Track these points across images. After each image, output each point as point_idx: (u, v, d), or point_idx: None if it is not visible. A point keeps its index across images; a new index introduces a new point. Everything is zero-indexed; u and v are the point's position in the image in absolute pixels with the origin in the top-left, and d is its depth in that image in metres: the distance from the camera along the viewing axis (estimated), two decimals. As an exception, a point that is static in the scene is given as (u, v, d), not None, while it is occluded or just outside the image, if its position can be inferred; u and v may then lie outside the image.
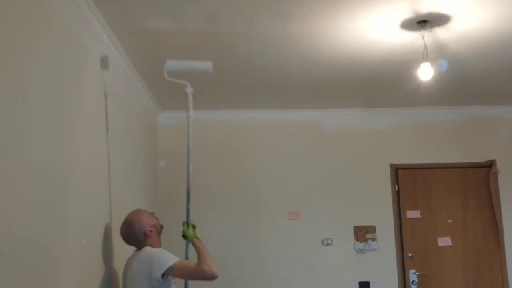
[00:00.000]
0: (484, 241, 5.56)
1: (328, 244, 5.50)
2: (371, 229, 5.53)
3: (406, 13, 3.20)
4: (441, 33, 3.49)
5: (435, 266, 5.50)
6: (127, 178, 4.03)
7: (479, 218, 5.60)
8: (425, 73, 3.62)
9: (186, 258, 3.16)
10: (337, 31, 3.46)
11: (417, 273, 5.46)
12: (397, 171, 5.64)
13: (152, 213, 3.31)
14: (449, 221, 5.58)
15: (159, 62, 3.98)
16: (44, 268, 2.37)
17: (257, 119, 5.64)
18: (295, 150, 5.63)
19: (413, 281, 5.45)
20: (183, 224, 3.22)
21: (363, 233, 5.51)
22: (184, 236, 3.19)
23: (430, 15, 3.22)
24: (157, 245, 3.13)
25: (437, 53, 3.79)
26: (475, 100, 5.47)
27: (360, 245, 5.49)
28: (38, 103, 2.31)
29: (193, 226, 3.21)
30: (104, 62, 3.26)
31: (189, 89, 3.33)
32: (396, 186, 5.61)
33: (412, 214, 5.58)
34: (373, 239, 5.51)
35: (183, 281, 3.26)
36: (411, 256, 5.50)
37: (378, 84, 4.69)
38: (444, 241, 5.54)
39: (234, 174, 5.54)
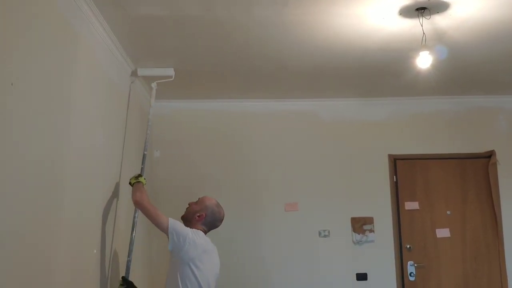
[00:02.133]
0: (483, 232, 5.53)
1: (325, 236, 5.46)
2: (368, 220, 5.49)
3: (405, 0, 3.14)
4: (440, 21, 3.43)
5: (434, 258, 5.47)
6: (121, 168, 3.98)
7: (478, 209, 5.56)
8: (424, 61, 3.56)
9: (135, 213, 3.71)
10: (334, 18, 3.39)
11: (415, 265, 5.43)
12: (395, 161, 5.59)
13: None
14: (448, 212, 5.55)
15: (153, 50, 3.96)
16: (36, 264, 2.32)
17: (254, 109, 5.59)
18: (293, 140, 5.58)
19: (411, 272, 5.42)
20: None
21: (360, 225, 5.47)
22: (130, 183, 3.49)
23: (429, 2, 3.16)
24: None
25: (436, 40, 3.74)
26: (474, 90, 5.43)
27: (358, 236, 5.45)
28: (27, 92, 2.25)
29: (139, 175, 3.55)
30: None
31: (154, 85, 4.30)
32: (394, 177, 5.57)
33: (411, 205, 5.54)
34: (371, 231, 5.47)
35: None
36: (409, 247, 5.47)
37: (376, 72, 4.64)
38: (443, 233, 5.50)
39: (230, 165, 5.49)
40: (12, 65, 2.11)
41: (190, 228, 3.28)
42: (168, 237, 3.18)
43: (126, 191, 4.04)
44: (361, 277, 5.41)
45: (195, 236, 3.20)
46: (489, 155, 5.59)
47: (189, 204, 3.47)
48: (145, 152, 3.96)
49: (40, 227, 2.38)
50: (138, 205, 3.32)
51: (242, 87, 5.11)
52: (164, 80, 4.33)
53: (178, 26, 3.47)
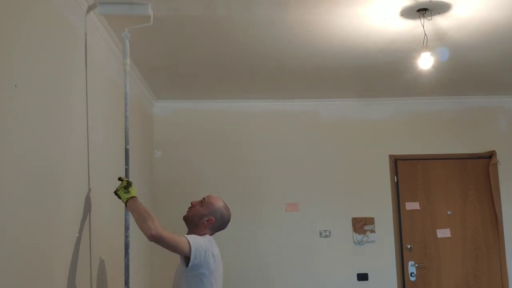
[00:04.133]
0: (483, 232, 5.53)
1: (326, 236, 5.46)
2: (369, 220, 5.49)
3: (406, 1, 3.14)
4: (441, 21, 3.43)
5: (434, 258, 5.47)
6: (121, 169, 3.97)
7: (479, 209, 5.57)
8: (425, 62, 3.56)
9: (125, 221, 3.04)
10: (335, 18, 3.39)
11: (416, 265, 5.43)
12: (396, 162, 5.59)
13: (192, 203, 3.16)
14: (448, 212, 5.55)
15: (154, 49, 3.95)
16: (35, 264, 2.31)
17: (254, 109, 5.59)
18: (293, 141, 5.58)
19: (411, 272, 5.42)
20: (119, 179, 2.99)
21: (361, 225, 5.47)
22: (115, 192, 2.90)
23: (430, 2, 3.16)
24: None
25: (437, 41, 3.74)
26: (475, 90, 5.42)
27: (359, 236, 5.45)
28: (29, 92, 2.24)
29: (128, 184, 2.91)
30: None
31: (126, 35, 3.14)
32: (395, 177, 5.57)
33: (411, 205, 5.54)
34: (372, 231, 5.47)
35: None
36: (410, 247, 5.47)
37: (377, 73, 4.64)
38: (443, 233, 5.50)
39: (231, 165, 5.49)
40: (15, 66, 2.11)
41: (197, 233, 3.00)
42: (182, 257, 2.90)
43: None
44: (362, 277, 5.41)
45: (210, 246, 2.94)
46: (490, 155, 5.59)
47: (192, 204, 3.11)
48: (127, 147, 3.11)
49: (39, 227, 2.37)
50: (156, 240, 2.69)
51: (243, 87, 5.10)
52: (139, 26, 3.17)
53: (178, 26, 3.47)
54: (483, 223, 5.55)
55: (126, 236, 3.04)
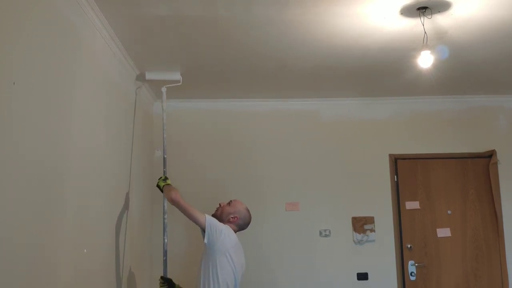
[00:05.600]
0: (483, 232, 5.53)
1: (326, 235, 5.46)
2: (369, 220, 5.49)
3: (406, -1, 3.14)
4: (441, 20, 3.43)
5: (434, 257, 5.47)
6: (122, 168, 3.97)
7: (479, 209, 5.56)
8: (425, 60, 3.56)
9: (163, 206, 4.13)
10: (335, 18, 3.39)
11: (416, 264, 5.43)
12: (396, 161, 5.59)
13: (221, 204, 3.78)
14: (449, 212, 5.54)
15: (154, 49, 3.95)
16: (38, 264, 2.32)
17: (255, 109, 5.58)
18: (293, 140, 5.58)
19: (411, 272, 5.41)
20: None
21: (361, 224, 5.47)
22: (157, 185, 3.76)
23: (430, 1, 3.16)
24: None
25: (437, 40, 3.73)
26: (475, 89, 5.42)
27: (359, 236, 5.45)
28: (29, 91, 2.25)
29: (166, 178, 3.81)
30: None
31: (164, 89, 4.49)
32: (395, 176, 5.57)
33: (411, 205, 5.54)
34: (372, 230, 5.47)
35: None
36: (410, 247, 5.47)
37: (377, 72, 4.63)
38: (443, 232, 5.50)
39: (231, 165, 5.49)
40: (14, 64, 2.11)
41: None
42: (203, 232, 3.41)
43: (127, 189, 4.05)
44: (362, 276, 5.41)
45: (228, 230, 3.49)
46: (490, 154, 5.59)
47: (220, 204, 3.71)
48: (165, 156, 4.25)
49: (42, 227, 2.37)
50: (174, 203, 3.46)
51: (243, 87, 5.10)
52: (172, 85, 4.47)
53: (178, 26, 3.46)
54: (483, 222, 5.55)
55: (164, 219, 4.10)
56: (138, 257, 4.50)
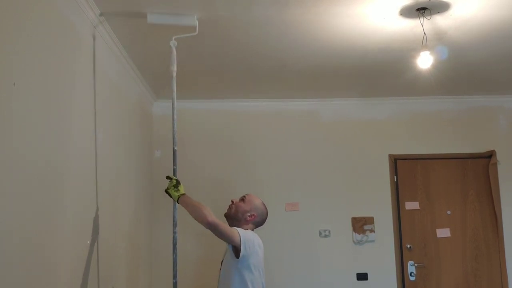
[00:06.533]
0: (483, 232, 5.53)
1: (326, 236, 5.46)
2: (369, 220, 5.49)
3: (405, 0, 3.14)
4: (440, 21, 3.43)
5: (434, 258, 5.47)
6: (121, 169, 3.97)
7: (478, 209, 5.57)
8: (425, 61, 3.56)
9: (174, 218, 3.20)
10: (335, 18, 3.39)
11: (416, 265, 5.43)
12: (396, 161, 5.59)
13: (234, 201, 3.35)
14: (448, 212, 5.55)
15: (153, 49, 3.95)
16: (37, 264, 2.32)
17: (255, 109, 5.59)
18: (293, 140, 5.58)
19: (411, 272, 5.42)
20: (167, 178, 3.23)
21: (361, 225, 5.47)
22: (166, 191, 3.16)
23: (430, 2, 3.16)
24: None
25: (436, 40, 3.74)
26: (474, 90, 5.42)
27: (358, 236, 5.45)
28: (29, 91, 2.25)
29: (177, 183, 3.16)
30: None
31: (173, 43, 3.32)
32: (395, 177, 5.57)
33: (411, 205, 5.54)
34: (371, 231, 5.47)
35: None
36: (410, 247, 5.47)
37: (377, 72, 4.64)
38: (443, 233, 5.50)
39: (231, 165, 5.49)
40: (14, 65, 2.11)
41: (239, 227, 3.16)
42: (231, 247, 3.05)
43: (126, 190, 4.05)
44: (362, 277, 5.41)
45: (256, 238, 3.18)
46: (490, 155, 5.59)
47: (232, 201, 3.32)
48: (175, 148, 3.30)
49: (42, 227, 2.37)
50: (212, 226, 2.91)
51: (243, 87, 5.10)
52: (184, 35, 3.31)
53: (178, 26, 3.46)
54: (483, 222, 5.55)
55: (174, 233, 3.21)
56: (138, 257, 4.50)
